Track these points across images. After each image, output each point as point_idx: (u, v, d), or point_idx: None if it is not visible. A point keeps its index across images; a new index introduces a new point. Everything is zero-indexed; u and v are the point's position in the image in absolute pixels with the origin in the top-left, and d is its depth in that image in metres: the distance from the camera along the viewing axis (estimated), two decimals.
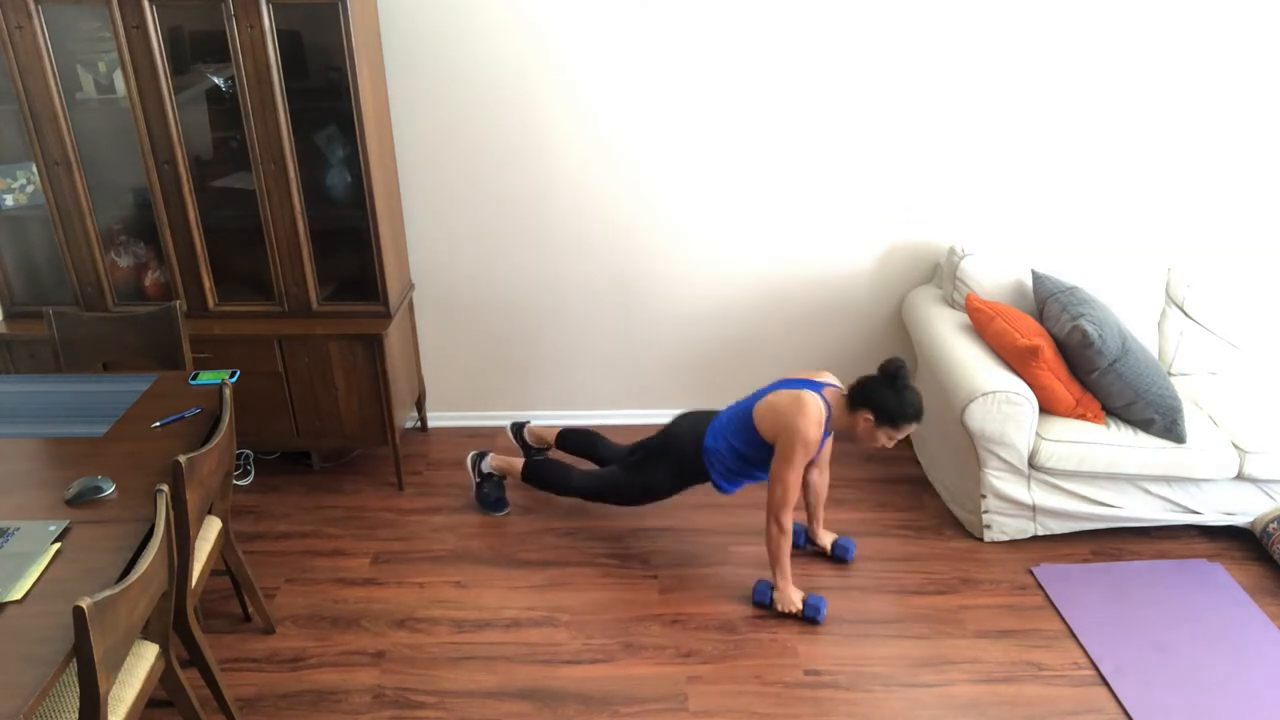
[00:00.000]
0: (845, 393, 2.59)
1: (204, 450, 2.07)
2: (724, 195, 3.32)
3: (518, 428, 3.36)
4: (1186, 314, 3.23)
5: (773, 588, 2.72)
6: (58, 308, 2.75)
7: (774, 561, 2.68)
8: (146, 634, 1.97)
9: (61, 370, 2.74)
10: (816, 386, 2.61)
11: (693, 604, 2.78)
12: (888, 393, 2.47)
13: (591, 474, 2.95)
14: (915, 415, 2.48)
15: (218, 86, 2.90)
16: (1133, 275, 3.20)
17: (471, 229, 3.37)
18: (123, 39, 2.69)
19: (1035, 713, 2.40)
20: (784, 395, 2.59)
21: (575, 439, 3.21)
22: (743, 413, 2.68)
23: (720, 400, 3.71)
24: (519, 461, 3.08)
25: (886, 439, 2.53)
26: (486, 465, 3.18)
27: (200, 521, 2.23)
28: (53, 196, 2.91)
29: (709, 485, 3.12)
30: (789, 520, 2.62)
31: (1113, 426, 2.89)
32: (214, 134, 3.03)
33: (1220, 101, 3.19)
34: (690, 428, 2.80)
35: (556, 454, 3.39)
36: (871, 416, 2.50)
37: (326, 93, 2.94)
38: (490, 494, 3.19)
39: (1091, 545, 3.03)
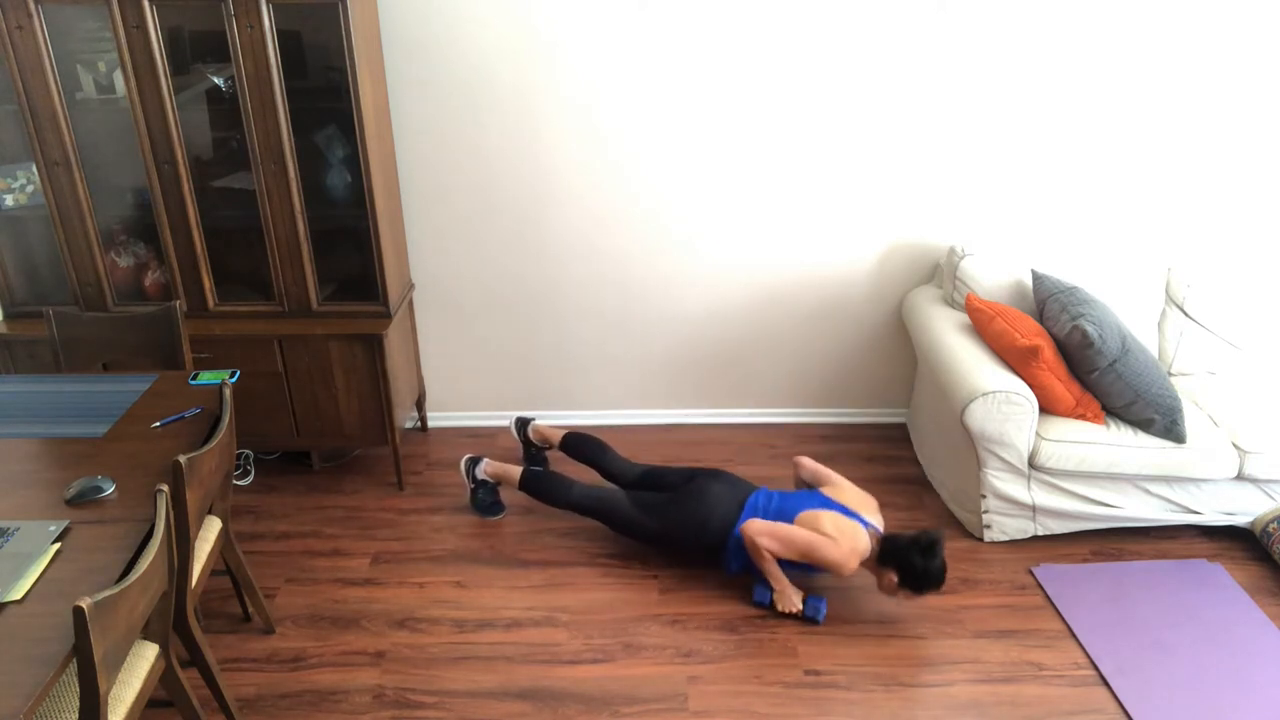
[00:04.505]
0: (880, 538, 2.66)
1: (204, 450, 2.07)
2: (724, 195, 3.32)
3: (522, 424, 3.35)
4: (1186, 314, 3.23)
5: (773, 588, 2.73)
6: (58, 308, 2.74)
7: (764, 575, 2.73)
8: (146, 634, 1.97)
9: (61, 370, 2.73)
10: (864, 523, 2.68)
11: (693, 604, 2.78)
12: (919, 563, 2.55)
13: (594, 494, 2.90)
14: (937, 587, 2.59)
15: (218, 86, 2.90)
16: (1133, 275, 3.20)
17: (471, 228, 3.37)
18: (123, 39, 2.69)
19: (1035, 713, 2.40)
20: (842, 522, 2.64)
21: (581, 445, 3.16)
22: (781, 515, 2.71)
23: (717, 399, 3.72)
24: (516, 471, 3.03)
25: (904, 596, 2.64)
26: (480, 472, 3.12)
27: (200, 521, 2.23)
28: (53, 196, 2.91)
29: None
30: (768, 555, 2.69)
31: (1113, 426, 2.89)
32: (214, 134, 3.03)
33: (1220, 102, 3.19)
34: (722, 500, 2.77)
35: (556, 455, 3.39)
36: (896, 577, 2.59)
37: (326, 93, 2.94)
38: (485, 499, 3.15)
39: (1091, 545, 3.03)
